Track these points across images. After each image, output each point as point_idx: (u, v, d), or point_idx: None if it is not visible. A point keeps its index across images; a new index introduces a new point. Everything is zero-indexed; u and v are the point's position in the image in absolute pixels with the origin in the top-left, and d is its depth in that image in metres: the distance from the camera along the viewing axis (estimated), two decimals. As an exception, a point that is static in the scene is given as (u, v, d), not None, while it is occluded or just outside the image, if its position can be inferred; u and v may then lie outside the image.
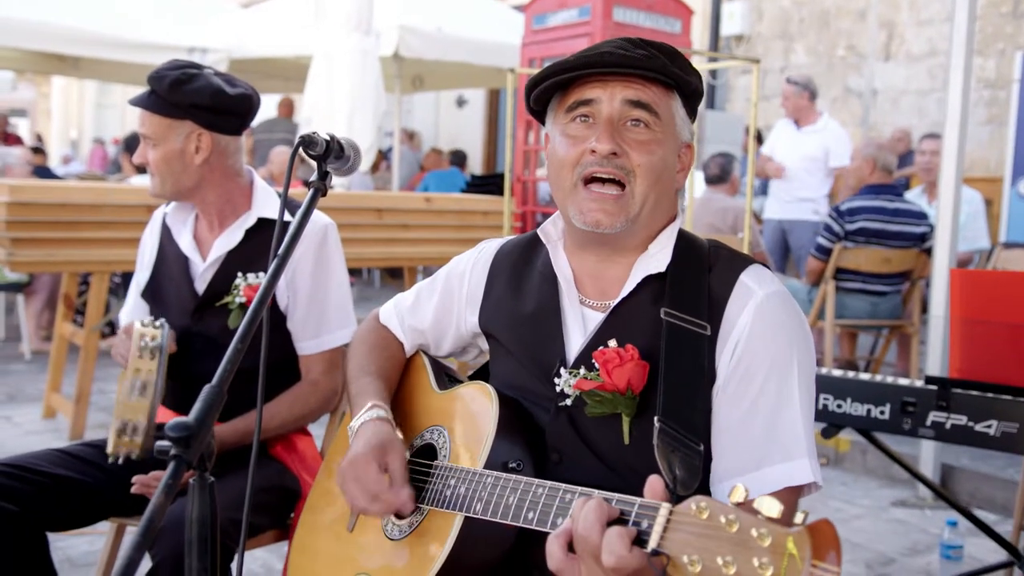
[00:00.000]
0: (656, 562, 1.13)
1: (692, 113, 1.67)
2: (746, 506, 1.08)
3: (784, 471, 1.50)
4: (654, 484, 1.22)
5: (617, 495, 1.26)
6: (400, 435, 1.69)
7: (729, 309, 1.56)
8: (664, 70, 1.57)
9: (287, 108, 11.48)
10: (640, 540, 1.18)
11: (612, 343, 1.58)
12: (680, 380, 1.52)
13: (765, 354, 1.53)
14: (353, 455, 1.63)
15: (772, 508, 1.06)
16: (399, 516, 1.65)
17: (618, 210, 1.57)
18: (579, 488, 1.35)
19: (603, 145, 1.55)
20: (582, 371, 1.59)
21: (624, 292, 1.62)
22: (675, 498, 1.18)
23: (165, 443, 1.15)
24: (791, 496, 1.51)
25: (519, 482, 1.45)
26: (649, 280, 1.61)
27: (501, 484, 1.47)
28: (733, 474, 1.52)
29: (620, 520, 1.23)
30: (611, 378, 1.54)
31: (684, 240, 1.66)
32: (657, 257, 1.63)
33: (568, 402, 1.60)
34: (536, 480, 1.43)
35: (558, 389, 1.61)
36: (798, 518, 1.06)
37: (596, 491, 1.31)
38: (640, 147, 1.57)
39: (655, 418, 1.48)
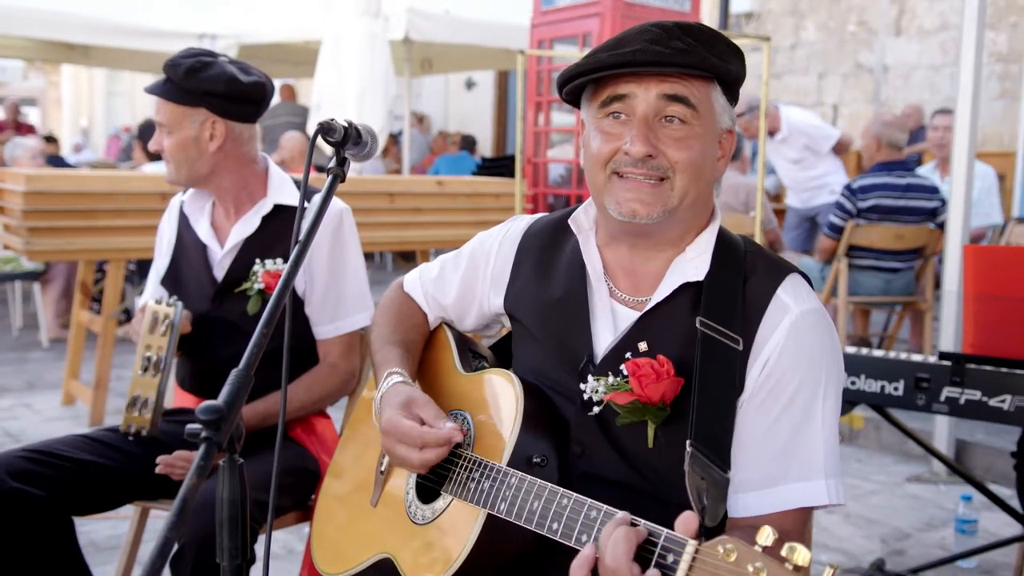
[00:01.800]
0: None
1: (734, 97, 1.61)
2: (773, 551, 1.08)
3: (800, 490, 1.50)
4: (688, 521, 1.21)
5: (644, 521, 1.27)
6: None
7: (763, 325, 1.54)
8: (702, 63, 1.51)
9: (289, 92, 11.50)
10: (664, 575, 1.19)
11: (643, 346, 1.56)
12: (713, 399, 1.50)
13: (795, 373, 1.51)
14: (385, 422, 1.63)
15: (802, 557, 1.06)
16: (423, 496, 1.67)
17: (655, 199, 1.53)
18: (605, 507, 1.35)
19: (637, 148, 1.51)
20: (610, 378, 1.57)
21: (659, 296, 1.59)
22: (703, 531, 1.18)
23: (196, 426, 1.18)
24: (804, 514, 1.52)
25: (544, 488, 1.45)
26: (685, 287, 1.58)
27: (526, 488, 1.47)
28: (749, 487, 1.51)
29: (647, 545, 1.23)
30: (645, 391, 1.52)
31: (722, 244, 1.62)
32: (695, 262, 1.59)
33: (596, 410, 1.59)
34: (561, 489, 1.43)
35: (586, 397, 1.60)
36: (827, 573, 1.05)
37: (621, 512, 1.31)
38: (677, 144, 1.52)
39: (687, 442, 1.47)
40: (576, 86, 1.60)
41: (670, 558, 1.19)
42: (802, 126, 7.30)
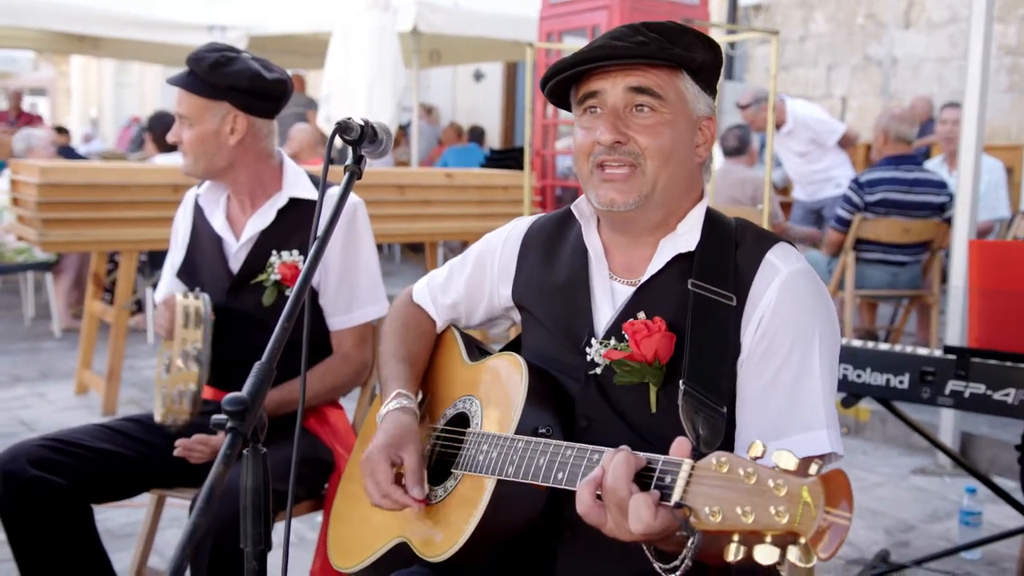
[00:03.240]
0: (679, 514, 1.19)
1: (708, 85, 1.69)
2: (763, 459, 1.15)
3: (804, 441, 1.55)
4: (681, 443, 1.28)
5: (642, 453, 1.33)
6: (425, 421, 1.76)
7: (755, 285, 1.62)
8: (660, 54, 1.60)
9: (298, 82, 11.53)
10: (664, 494, 1.25)
11: (641, 315, 1.64)
12: (705, 346, 1.58)
13: (788, 329, 1.58)
14: (371, 450, 1.71)
15: (788, 461, 1.12)
16: (435, 479, 1.72)
17: (629, 188, 1.63)
18: (606, 448, 1.41)
19: (605, 135, 1.61)
20: (612, 342, 1.65)
21: (653, 269, 1.67)
22: (698, 455, 1.24)
23: (221, 416, 1.22)
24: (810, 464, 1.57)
25: (548, 445, 1.51)
26: (678, 258, 1.67)
27: (532, 447, 1.53)
28: None
29: (646, 472, 1.29)
30: (639, 348, 1.60)
31: (712, 219, 1.71)
32: (686, 237, 1.68)
33: (598, 371, 1.67)
34: (565, 443, 1.49)
35: (589, 358, 1.67)
36: (812, 469, 1.12)
37: (622, 446, 1.36)
38: (646, 131, 1.62)
39: (680, 381, 1.55)
40: (557, 88, 1.71)
41: (668, 479, 1.25)
42: (807, 120, 7.32)
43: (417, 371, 1.93)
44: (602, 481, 1.32)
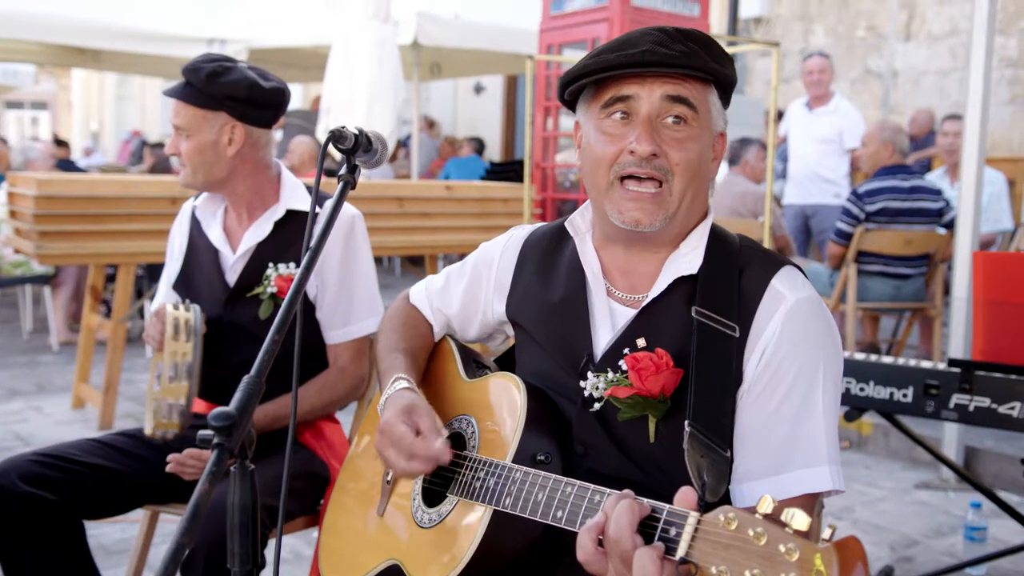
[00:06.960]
0: (684, 570, 1.14)
1: (728, 101, 1.66)
2: (774, 517, 1.09)
3: (804, 477, 1.51)
4: (687, 495, 1.22)
5: (646, 499, 1.28)
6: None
7: (759, 314, 1.56)
8: (704, 66, 1.55)
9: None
10: (668, 547, 1.20)
11: (641, 342, 1.59)
12: (710, 383, 1.52)
13: (792, 361, 1.53)
14: (383, 423, 1.64)
15: (801, 522, 1.06)
16: (429, 501, 1.68)
17: (656, 208, 1.56)
18: (608, 490, 1.37)
19: (643, 147, 1.53)
20: (610, 374, 1.59)
21: (655, 292, 1.62)
22: (703, 505, 1.19)
23: (208, 432, 1.19)
24: (809, 501, 1.53)
25: (548, 479, 1.46)
26: (680, 280, 1.61)
27: (530, 480, 1.48)
28: (753, 476, 1.53)
29: (650, 520, 1.24)
30: (645, 384, 1.55)
31: (716, 238, 1.65)
32: (689, 257, 1.62)
33: (597, 406, 1.61)
34: (565, 479, 1.44)
35: (586, 393, 1.62)
36: (825, 533, 1.06)
37: (625, 491, 1.31)
38: (678, 145, 1.55)
39: (686, 422, 1.49)
40: (577, 88, 1.63)
41: (672, 531, 1.20)
42: (849, 111, 7.51)
43: (416, 364, 1.87)
44: (604, 528, 1.26)
